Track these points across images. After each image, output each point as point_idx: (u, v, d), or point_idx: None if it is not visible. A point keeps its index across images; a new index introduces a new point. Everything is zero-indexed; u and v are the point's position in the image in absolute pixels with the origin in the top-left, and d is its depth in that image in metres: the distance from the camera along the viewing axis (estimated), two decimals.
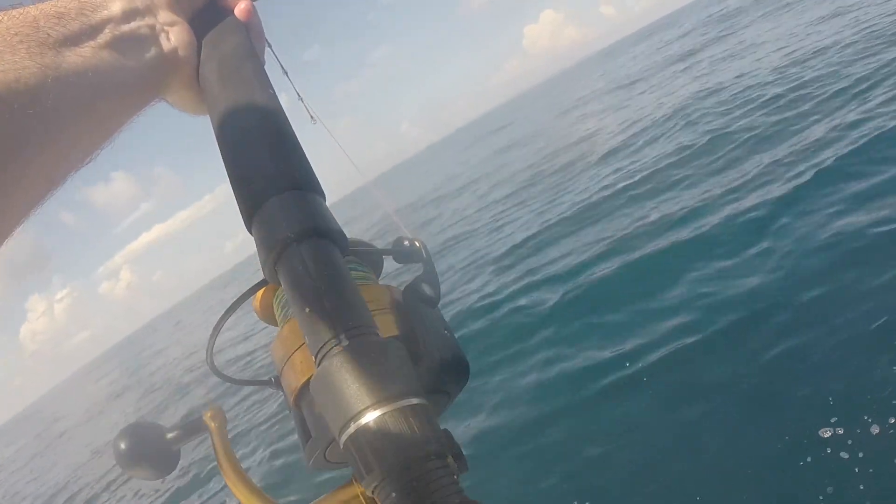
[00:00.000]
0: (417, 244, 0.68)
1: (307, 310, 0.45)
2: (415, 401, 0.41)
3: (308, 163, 0.53)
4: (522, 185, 10.60)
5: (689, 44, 18.95)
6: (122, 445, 0.53)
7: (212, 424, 0.58)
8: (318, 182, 0.52)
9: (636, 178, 6.98)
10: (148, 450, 0.54)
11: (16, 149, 0.39)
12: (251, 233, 0.51)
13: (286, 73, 0.72)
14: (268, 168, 0.50)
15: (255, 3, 0.62)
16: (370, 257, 0.68)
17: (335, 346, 0.43)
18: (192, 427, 0.59)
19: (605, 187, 7.36)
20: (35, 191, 0.42)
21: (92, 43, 0.47)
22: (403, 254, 0.68)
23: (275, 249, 0.47)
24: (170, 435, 0.57)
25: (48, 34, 0.44)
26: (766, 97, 7.58)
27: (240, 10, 0.61)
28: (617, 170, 7.98)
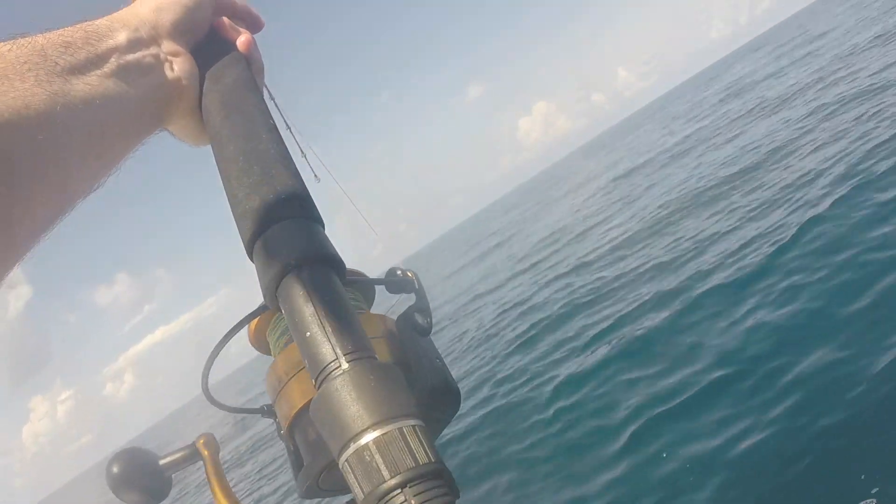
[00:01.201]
0: (410, 275, 0.70)
1: (307, 334, 0.45)
2: (413, 422, 0.42)
3: (307, 192, 0.54)
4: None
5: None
6: (115, 469, 0.53)
7: (205, 451, 0.58)
8: (317, 210, 0.53)
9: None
10: (140, 475, 0.54)
11: (27, 173, 0.39)
12: (252, 260, 0.51)
13: (290, 129, 0.71)
14: (269, 197, 0.51)
15: (255, 37, 0.64)
16: (363, 287, 0.69)
17: (335, 368, 0.43)
18: (185, 454, 0.58)
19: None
20: (45, 216, 0.43)
21: (98, 71, 0.48)
22: (396, 284, 0.69)
23: (276, 275, 0.48)
24: (163, 461, 0.56)
25: (56, 62, 0.45)
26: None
27: (241, 42, 0.63)
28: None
